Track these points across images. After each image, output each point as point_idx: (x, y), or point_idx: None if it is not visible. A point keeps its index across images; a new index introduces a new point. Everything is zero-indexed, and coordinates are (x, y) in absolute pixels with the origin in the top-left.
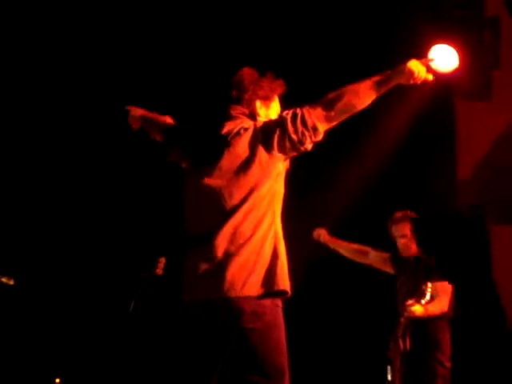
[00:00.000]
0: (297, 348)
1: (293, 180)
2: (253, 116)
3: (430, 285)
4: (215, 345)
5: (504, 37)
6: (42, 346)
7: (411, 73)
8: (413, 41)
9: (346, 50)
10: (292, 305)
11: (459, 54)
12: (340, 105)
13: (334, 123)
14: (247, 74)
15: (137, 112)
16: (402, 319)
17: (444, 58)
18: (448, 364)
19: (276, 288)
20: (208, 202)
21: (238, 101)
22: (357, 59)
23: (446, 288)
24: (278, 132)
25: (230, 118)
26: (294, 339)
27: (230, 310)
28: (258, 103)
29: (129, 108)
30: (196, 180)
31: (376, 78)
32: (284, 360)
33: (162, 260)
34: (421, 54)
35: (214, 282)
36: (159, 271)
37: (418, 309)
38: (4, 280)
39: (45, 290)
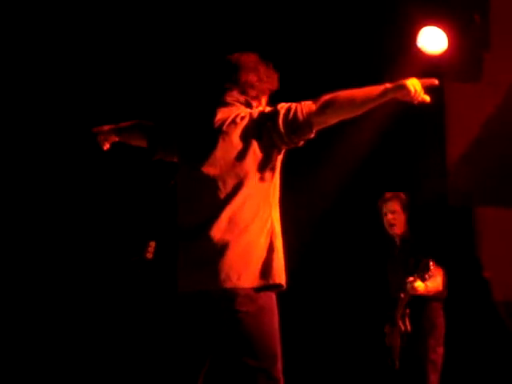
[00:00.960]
0: (291, 338)
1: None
2: (248, 104)
3: (431, 261)
4: (209, 331)
5: (493, 17)
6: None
7: (409, 91)
8: (401, 23)
9: (335, 33)
10: (285, 296)
11: (448, 36)
12: (334, 108)
13: (326, 125)
14: (251, 59)
15: (104, 129)
16: (402, 296)
17: (432, 39)
18: (440, 349)
19: (271, 281)
20: (202, 193)
21: (236, 85)
22: (347, 43)
23: (438, 268)
24: (268, 125)
25: (224, 104)
26: (287, 330)
27: (224, 297)
28: (255, 92)
29: (94, 130)
30: (189, 171)
31: (374, 91)
32: (276, 344)
33: (152, 244)
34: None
35: (209, 272)
36: (149, 255)
37: (420, 285)
38: None
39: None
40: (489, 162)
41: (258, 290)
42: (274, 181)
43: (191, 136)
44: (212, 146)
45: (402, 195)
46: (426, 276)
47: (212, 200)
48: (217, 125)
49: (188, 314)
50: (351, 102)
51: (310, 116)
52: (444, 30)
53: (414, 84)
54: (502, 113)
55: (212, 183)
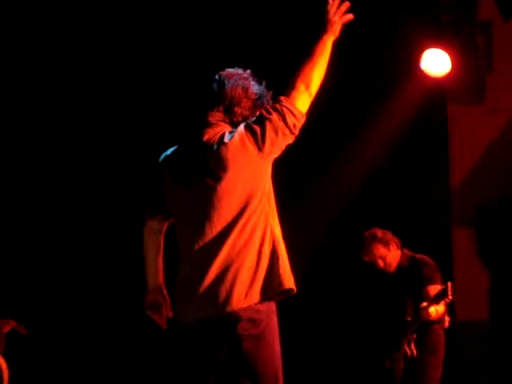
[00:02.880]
0: (291, 348)
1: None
2: (232, 123)
3: (450, 284)
4: (211, 355)
5: (496, 40)
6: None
7: (337, 28)
8: (405, 45)
9: (340, 56)
10: (287, 304)
11: (451, 58)
12: (313, 83)
13: (312, 98)
14: (241, 76)
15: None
16: (409, 320)
17: (436, 62)
18: (440, 369)
19: (282, 288)
20: (202, 217)
21: (222, 104)
22: (350, 66)
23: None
24: (269, 129)
25: (208, 125)
26: (288, 340)
27: (228, 321)
28: (240, 110)
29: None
30: (186, 195)
31: (322, 51)
32: (278, 365)
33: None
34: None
35: (214, 298)
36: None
37: (433, 311)
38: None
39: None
40: (492, 182)
41: (264, 301)
42: (269, 187)
43: (183, 163)
44: (207, 169)
45: (379, 232)
46: (446, 301)
47: (213, 224)
48: (208, 147)
49: (189, 342)
50: (321, 75)
51: (301, 104)
52: (447, 53)
53: (335, 19)
54: (504, 135)
55: (212, 207)
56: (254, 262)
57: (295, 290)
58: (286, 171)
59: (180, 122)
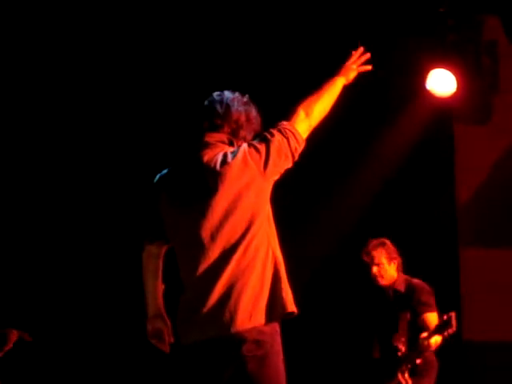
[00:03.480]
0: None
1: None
2: (231, 143)
3: (454, 314)
4: (216, 375)
5: (502, 60)
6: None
7: (352, 75)
8: (410, 66)
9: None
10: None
11: (457, 78)
12: (314, 114)
13: (311, 129)
14: (242, 100)
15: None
16: (410, 354)
17: (442, 82)
18: None
19: (284, 311)
20: (203, 239)
21: (224, 124)
22: (357, 85)
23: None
24: (273, 151)
25: (207, 145)
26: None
27: (233, 341)
28: (243, 133)
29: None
30: (185, 217)
31: (333, 91)
32: None
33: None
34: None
35: (218, 319)
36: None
37: (434, 341)
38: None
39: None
40: (499, 203)
41: (270, 321)
42: (268, 209)
43: (182, 184)
44: (208, 190)
45: (388, 242)
46: (449, 332)
47: (216, 248)
48: (207, 168)
49: (193, 363)
50: (324, 110)
51: (302, 130)
52: (453, 73)
53: (352, 67)
54: (511, 154)
55: (215, 231)
56: (258, 284)
57: (296, 312)
58: (291, 190)
59: (176, 141)
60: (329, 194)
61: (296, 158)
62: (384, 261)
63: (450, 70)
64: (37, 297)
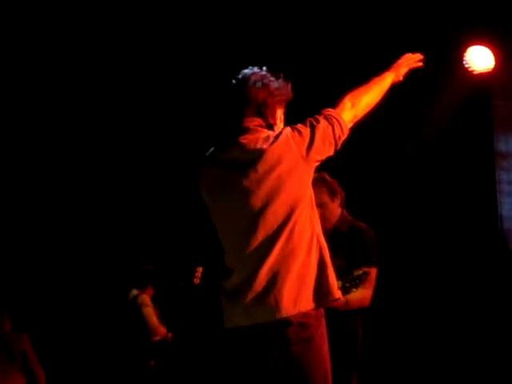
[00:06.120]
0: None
1: None
2: (270, 126)
3: (361, 272)
4: (260, 358)
5: None
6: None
7: (402, 72)
8: (449, 42)
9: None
10: None
11: (494, 54)
12: (361, 105)
13: (356, 119)
14: (258, 77)
15: None
16: None
17: (479, 58)
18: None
19: (331, 298)
20: (247, 225)
21: (250, 107)
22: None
23: (373, 277)
24: (318, 136)
25: (247, 130)
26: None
27: (277, 327)
28: (269, 109)
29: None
30: (229, 204)
31: (384, 84)
32: (327, 369)
33: (199, 269)
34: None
35: (263, 305)
36: (196, 280)
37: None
38: None
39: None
40: None
41: (316, 308)
42: (310, 194)
43: (224, 171)
44: (250, 175)
45: (327, 175)
46: (353, 290)
47: (261, 232)
48: (249, 151)
49: (238, 347)
50: (371, 103)
51: (347, 119)
52: (491, 49)
53: (404, 64)
54: None
55: (259, 214)
56: (302, 270)
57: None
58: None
59: (201, 132)
60: (368, 176)
61: (339, 146)
62: (327, 199)
63: (487, 47)
64: (37, 297)
